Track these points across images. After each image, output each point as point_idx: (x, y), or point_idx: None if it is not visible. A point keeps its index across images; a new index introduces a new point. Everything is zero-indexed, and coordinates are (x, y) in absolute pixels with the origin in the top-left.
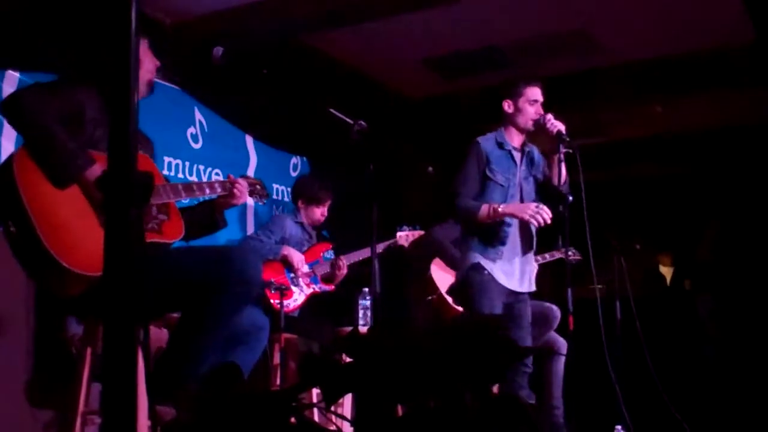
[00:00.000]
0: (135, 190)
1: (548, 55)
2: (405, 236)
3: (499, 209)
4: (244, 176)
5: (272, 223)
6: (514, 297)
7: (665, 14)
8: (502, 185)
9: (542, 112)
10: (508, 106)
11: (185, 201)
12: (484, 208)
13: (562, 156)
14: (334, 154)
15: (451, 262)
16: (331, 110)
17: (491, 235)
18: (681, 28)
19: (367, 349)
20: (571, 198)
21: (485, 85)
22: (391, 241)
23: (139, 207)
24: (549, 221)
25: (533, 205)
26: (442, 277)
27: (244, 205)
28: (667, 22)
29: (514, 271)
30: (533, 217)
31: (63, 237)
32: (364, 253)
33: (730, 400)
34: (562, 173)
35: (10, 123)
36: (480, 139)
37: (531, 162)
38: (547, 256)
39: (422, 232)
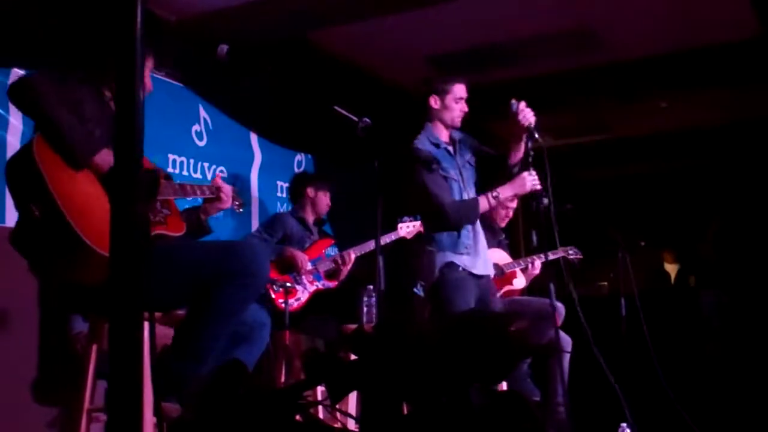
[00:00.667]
0: (141, 188)
1: (552, 52)
2: (406, 227)
3: (500, 195)
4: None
5: (273, 221)
6: (480, 287)
7: (668, 10)
8: (455, 180)
9: (466, 110)
10: (434, 102)
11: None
12: (483, 200)
13: (531, 153)
14: (339, 151)
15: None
16: (336, 107)
17: (459, 231)
18: (685, 24)
19: (372, 347)
20: (545, 200)
21: (489, 83)
22: (394, 232)
23: (145, 204)
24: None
25: (525, 174)
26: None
27: (249, 202)
28: (671, 18)
29: (483, 263)
30: (534, 184)
31: (86, 218)
32: (370, 245)
33: (735, 396)
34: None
35: (17, 106)
36: (418, 144)
37: (460, 149)
38: (550, 254)
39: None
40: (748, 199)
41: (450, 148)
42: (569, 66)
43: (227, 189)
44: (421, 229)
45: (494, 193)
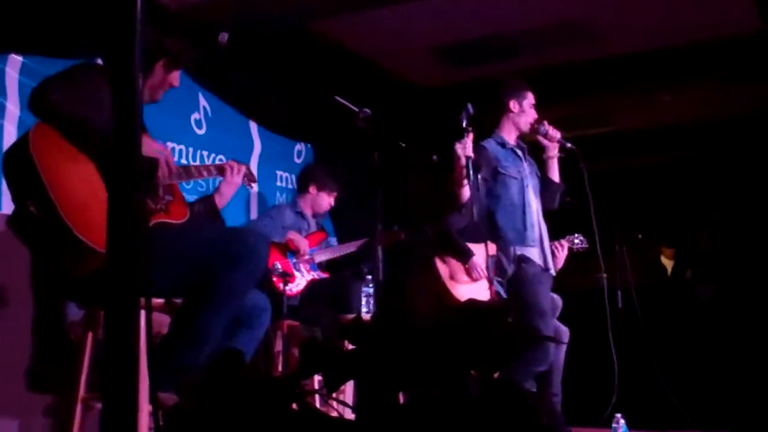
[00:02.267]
0: (139, 177)
1: (555, 45)
2: (382, 236)
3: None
4: (234, 161)
5: (272, 211)
6: (551, 283)
7: (671, 4)
8: (515, 178)
9: (537, 117)
10: (513, 106)
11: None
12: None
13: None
14: (339, 142)
15: (458, 253)
16: (337, 97)
17: (521, 222)
18: (687, 17)
19: (370, 337)
20: (569, 199)
21: (493, 75)
22: (365, 240)
23: (142, 193)
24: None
25: (461, 144)
26: (446, 267)
27: (248, 193)
28: (674, 11)
29: (545, 256)
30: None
31: (83, 215)
32: (349, 248)
33: (730, 388)
34: (558, 173)
35: (38, 117)
36: (484, 143)
37: (528, 158)
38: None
39: (400, 233)
40: (747, 193)
41: (518, 152)
42: (573, 59)
43: (235, 167)
44: (397, 239)
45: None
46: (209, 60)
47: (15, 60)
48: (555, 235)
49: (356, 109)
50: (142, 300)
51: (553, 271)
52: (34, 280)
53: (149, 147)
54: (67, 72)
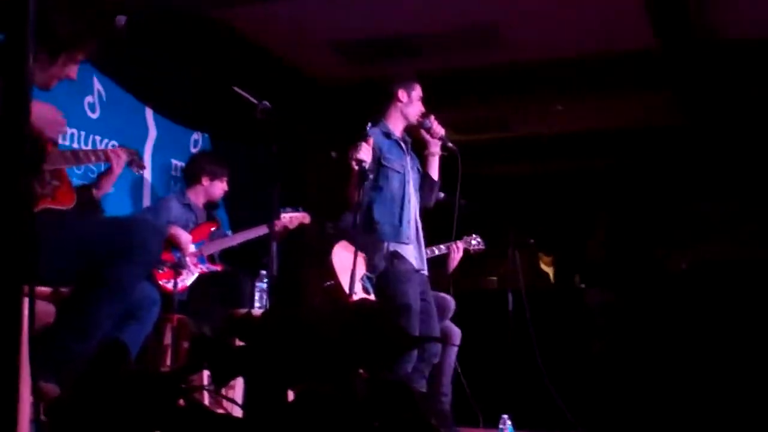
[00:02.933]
0: (26, 158)
1: (458, 48)
2: (289, 218)
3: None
4: (122, 147)
5: (158, 205)
6: (423, 283)
7: (570, 15)
8: (398, 171)
9: (423, 109)
10: (402, 95)
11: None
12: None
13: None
14: (237, 133)
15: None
16: (236, 88)
17: (398, 217)
18: (585, 30)
19: (260, 333)
20: (442, 195)
21: (393, 73)
22: (277, 221)
23: (30, 175)
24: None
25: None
26: (342, 263)
27: (141, 181)
28: (573, 23)
29: (420, 255)
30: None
31: None
32: (259, 231)
33: (617, 392)
34: (438, 170)
35: None
36: (369, 132)
37: (411, 152)
38: (443, 248)
39: (305, 214)
40: (635, 201)
41: (402, 144)
42: (474, 63)
43: (121, 154)
44: (304, 220)
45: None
46: (106, 43)
47: None
48: (448, 237)
49: (255, 101)
50: (26, 288)
51: (425, 272)
52: None
53: (40, 111)
54: None
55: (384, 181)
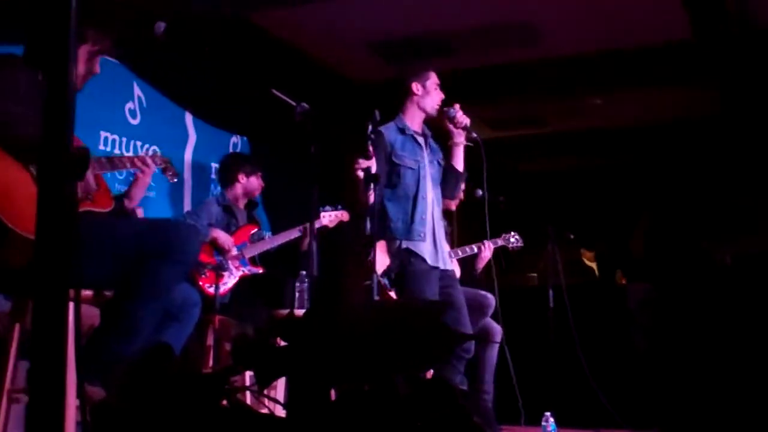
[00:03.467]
0: (71, 165)
1: (492, 45)
2: (329, 216)
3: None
4: (156, 154)
5: (199, 208)
6: (444, 279)
7: (605, 9)
8: (412, 168)
9: (443, 96)
10: (416, 88)
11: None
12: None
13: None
14: (275, 135)
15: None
16: (274, 91)
17: (410, 214)
18: (621, 23)
19: (302, 333)
20: (480, 192)
21: (429, 69)
22: (317, 220)
23: (74, 181)
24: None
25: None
26: (383, 261)
27: (182, 185)
28: (609, 17)
29: (437, 251)
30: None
31: (9, 203)
32: (291, 234)
33: (660, 389)
34: (462, 161)
35: None
36: (381, 128)
37: (430, 145)
38: (474, 248)
39: (345, 212)
40: (677, 197)
41: (419, 139)
42: (508, 59)
43: (149, 162)
44: (343, 218)
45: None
46: (145, 50)
47: None
48: (491, 233)
49: (293, 103)
50: (71, 291)
51: (445, 267)
52: None
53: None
54: None
55: (396, 178)
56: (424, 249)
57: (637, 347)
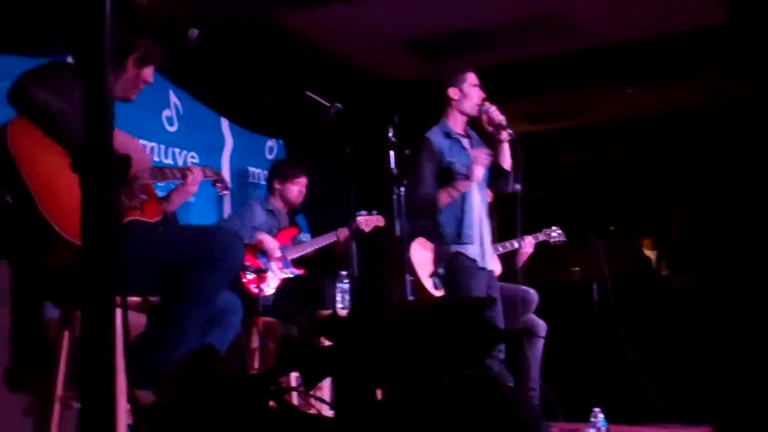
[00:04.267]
0: (112, 173)
1: (527, 37)
2: (364, 221)
3: (459, 187)
4: (206, 167)
5: (243, 211)
6: (489, 279)
7: None
8: (461, 172)
9: (483, 95)
10: (454, 93)
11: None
12: (443, 194)
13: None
14: (311, 137)
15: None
16: (308, 92)
17: (459, 219)
18: (656, 10)
19: (347, 333)
20: (519, 187)
21: (466, 68)
22: (352, 224)
23: (116, 190)
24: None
25: (478, 156)
26: (421, 261)
27: None
28: (645, 4)
29: (483, 252)
30: (483, 160)
31: (60, 207)
32: (328, 239)
33: (707, 381)
34: (509, 158)
35: (16, 108)
36: (427, 134)
37: (475, 146)
38: (515, 243)
39: (380, 217)
40: (713, 184)
41: (464, 141)
42: (545, 51)
43: (196, 172)
44: (379, 223)
45: (454, 186)
46: (179, 57)
47: None
48: (533, 228)
49: (327, 104)
50: (118, 298)
51: (491, 268)
52: (12, 278)
53: (131, 145)
54: (45, 67)
55: (445, 182)
56: (473, 251)
57: (683, 339)
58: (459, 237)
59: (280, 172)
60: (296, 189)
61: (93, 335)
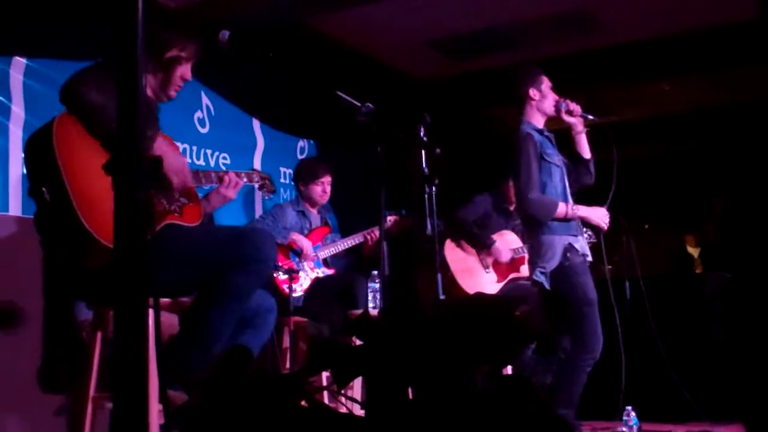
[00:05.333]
0: (143, 175)
1: (553, 36)
2: (391, 221)
3: (577, 211)
4: (255, 170)
5: (274, 211)
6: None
7: None
8: (558, 165)
9: (557, 98)
10: (534, 94)
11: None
12: (562, 207)
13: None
14: (342, 137)
15: (473, 242)
16: (338, 92)
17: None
18: (684, 5)
19: (378, 332)
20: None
21: (491, 66)
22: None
23: (148, 191)
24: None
25: (605, 210)
26: (455, 257)
27: (252, 192)
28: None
29: (582, 242)
30: (606, 223)
31: (96, 208)
32: (357, 239)
33: (739, 379)
34: (587, 147)
35: (67, 107)
36: (527, 129)
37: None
38: None
39: (409, 219)
40: (753, 179)
41: (551, 137)
42: (570, 49)
43: (234, 177)
44: (407, 225)
45: (574, 208)
46: (211, 58)
47: (19, 62)
48: None
49: (358, 104)
50: (151, 300)
51: (590, 258)
52: (45, 279)
53: (171, 150)
54: (94, 67)
55: (547, 177)
56: (580, 243)
57: (715, 338)
58: (568, 229)
59: (301, 173)
60: (319, 189)
61: (126, 336)
